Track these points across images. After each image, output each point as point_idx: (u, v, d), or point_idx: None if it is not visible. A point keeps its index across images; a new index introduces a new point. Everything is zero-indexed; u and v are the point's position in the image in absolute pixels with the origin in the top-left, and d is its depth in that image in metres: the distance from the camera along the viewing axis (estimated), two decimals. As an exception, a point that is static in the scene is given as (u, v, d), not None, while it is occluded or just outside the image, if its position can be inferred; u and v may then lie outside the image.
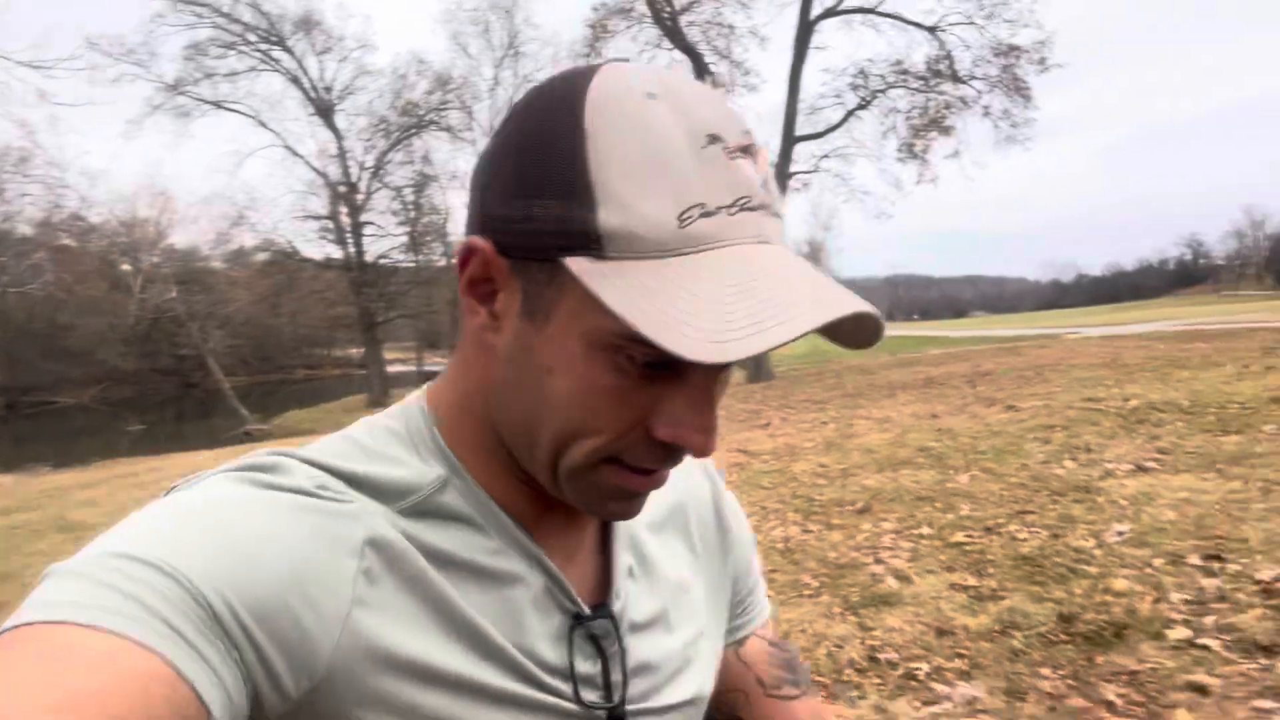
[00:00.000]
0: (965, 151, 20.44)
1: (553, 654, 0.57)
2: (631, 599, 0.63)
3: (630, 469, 0.52)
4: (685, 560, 0.70)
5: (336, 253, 32.46)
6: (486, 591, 0.55)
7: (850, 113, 20.38)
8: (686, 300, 0.45)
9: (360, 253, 32.05)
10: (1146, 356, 11.81)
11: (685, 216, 0.46)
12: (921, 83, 19.55)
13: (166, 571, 0.43)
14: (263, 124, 30.36)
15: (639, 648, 0.62)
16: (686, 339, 0.43)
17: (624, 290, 0.46)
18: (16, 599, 2.06)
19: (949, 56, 19.69)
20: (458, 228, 36.42)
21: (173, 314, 32.26)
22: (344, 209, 31.89)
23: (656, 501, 0.67)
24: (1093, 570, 3.44)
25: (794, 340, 0.43)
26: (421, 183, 34.12)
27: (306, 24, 30.47)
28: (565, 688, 0.57)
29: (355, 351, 48.79)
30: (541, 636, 0.56)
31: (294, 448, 0.55)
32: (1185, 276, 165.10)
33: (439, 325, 39.93)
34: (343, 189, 31.83)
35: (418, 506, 0.54)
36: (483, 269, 0.52)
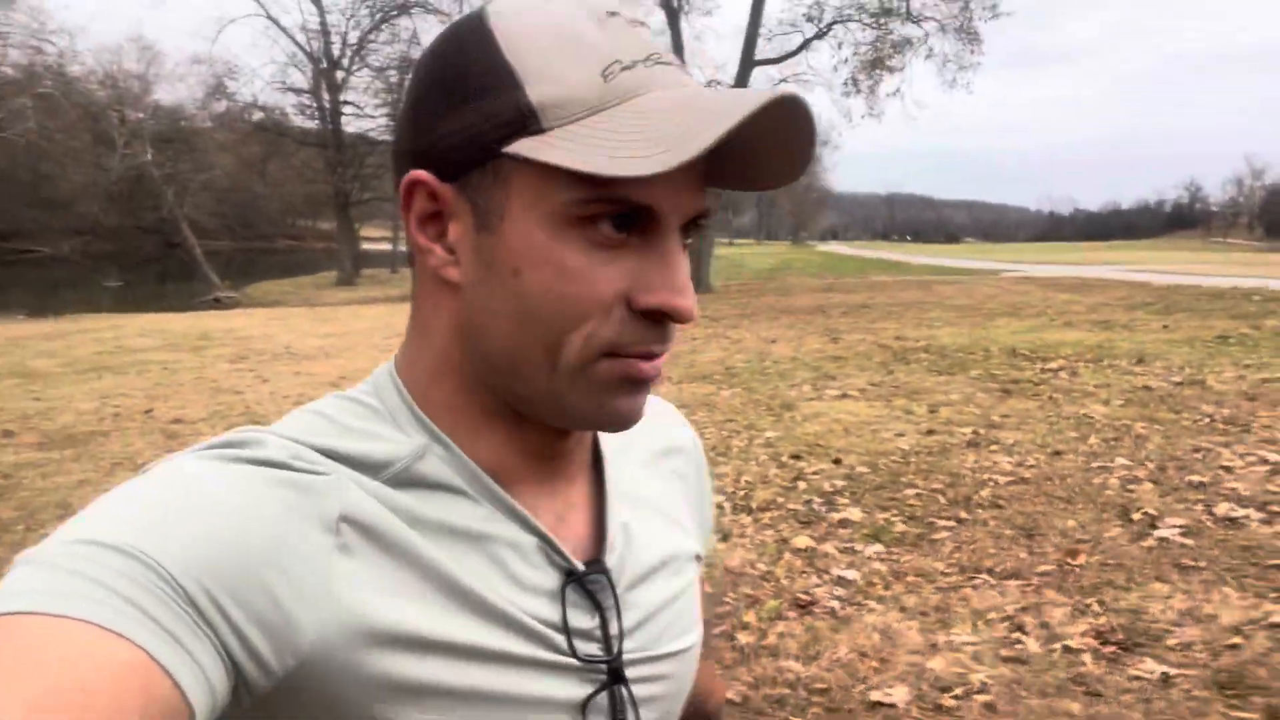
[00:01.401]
0: (908, 91, 21.23)
1: (548, 611, 0.56)
2: (628, 552, 0.62)
3: (627, 356, 0.52)
4: (679, 510, 0.71)
5: (316, 128, 32.90)
6: (477, 554, 0.54)
7: (807, 41, 21.06)
8: (631, 134, 0.46)
9: (338, 131, 32.39)
10: (1008, 302, 13.17)
11: (608, 72, 0.48)
12: (873, 19, 20.20)
13: (138, 556, 0.42)
14: (245, -9, 30.36)
15: (636, 599, 0.61)
16: (643, 161, 0.45)
17: (572, 150, 0.47)
18: (7, 448, 3.90)
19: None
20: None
21: (143, 177, 32.60)
22: (324, 86, 32.19)
23: (649, 441, 0.70)
24: (743, 456, 4.91)
25: (737, 124, 0.44)
26: (405, 64, 34.37)
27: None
28: (561, 641, 0.56)
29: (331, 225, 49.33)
30: (535, 595, 0.56)
31: (271, 425, 0.54)
32: (1180, 219, 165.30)
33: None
34: (323, 65, 32.06)
35: (399, 476, 0.53)
36: (429, 201, 0.52)
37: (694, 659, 0.68)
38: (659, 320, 0.52)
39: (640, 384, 0.54)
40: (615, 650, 0.59)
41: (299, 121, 33.32)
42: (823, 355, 8.45)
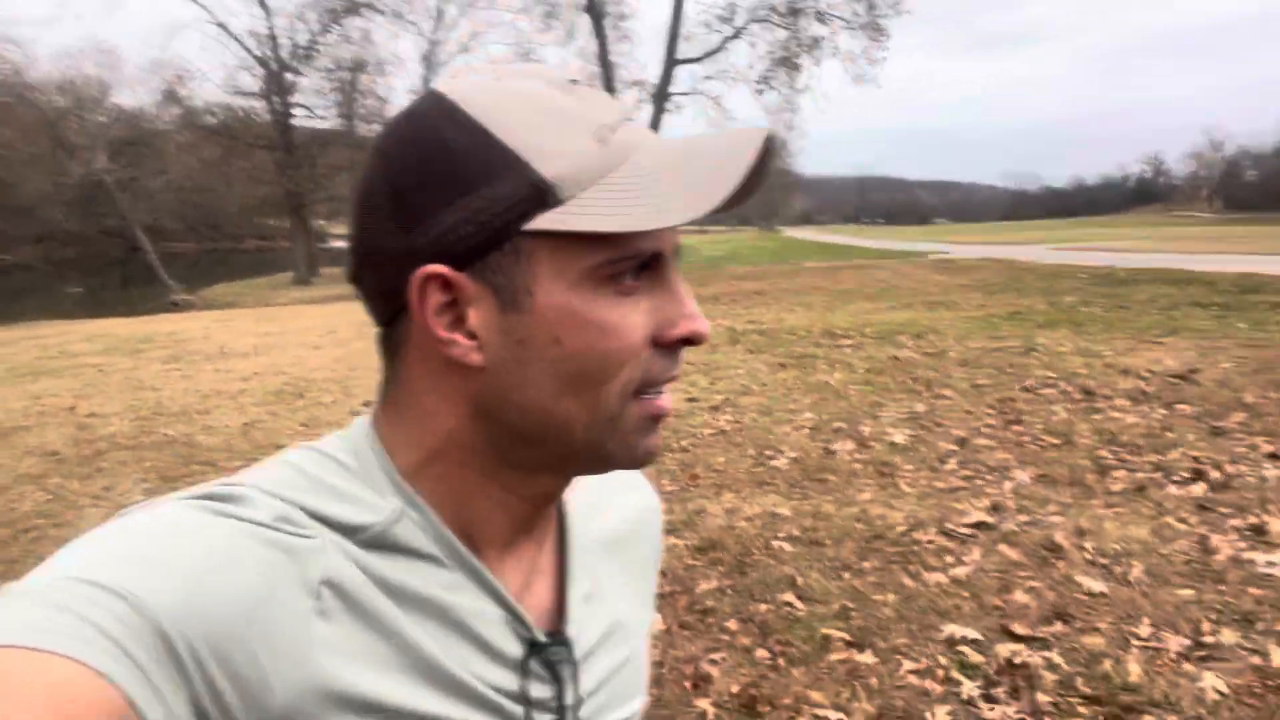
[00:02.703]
0: (818, 86, 22.51)
1: (508, 681, 0.57)
2: (585, 622, 0.63)
3: (649, 396, 0.54)
4: (633, 577, 0.72)
5: (267, 130, 33.63)
6: (442, 624, 0.54)
7: (725, 41, 22.23)
8: (646, 190, 0.49)
9: (287, 133, 33.12)
10: (889, 285, 14.39)
11: (600, 136, 0.50)
12: (784, 19, 21.38)
13: (124, 597, 0.42)
14: (193, -1, 31.01)
15: (591, 669, 0.63)
16: (674, 213, 0.48)
17: (593, 214, 0.49)
18: None
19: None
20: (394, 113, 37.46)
21: (103, 182, 33.22)
22: (273, 89, 32.94)
23: (612, 518, 0.70)
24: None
25: (749, 170, 0.49)
26: (357, 65, 35.12)
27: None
28: (519, 714, 0.57)
29: (316, 224, 49.56)
30: (498, 665, 0.57)
31: (248, 475, 0.54)
32: (1144, 194, 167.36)
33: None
34: (273, 68, 32.80)
35: (375, 540, 0.53)
36: (444, 293, 0.51)
37: None
38: (676, 351, 0.55)
39: (660, 419, 0.56)
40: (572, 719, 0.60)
41: (251, 124, 33.99)
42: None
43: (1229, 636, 2.49)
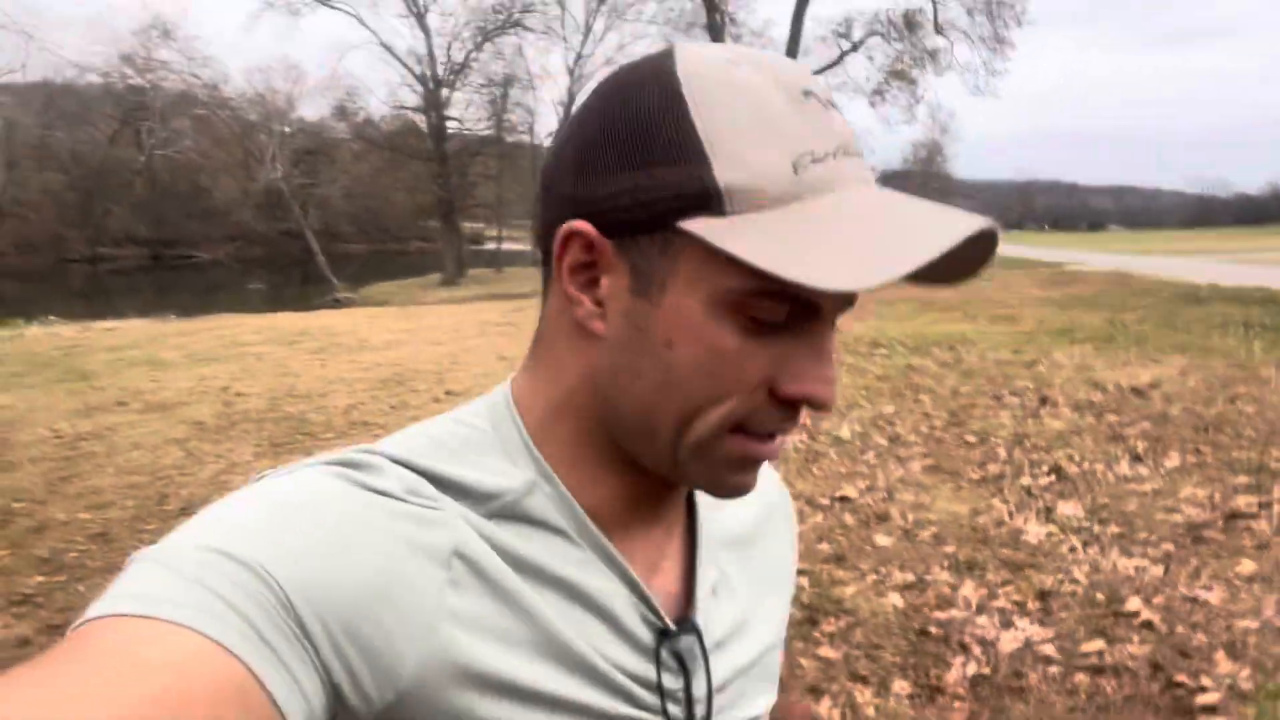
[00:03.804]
0: (936, 98, 22.68)
1: (639, 668, 0.56)
2: (714, 613, 0.62)
3: (753, 435, 0.52)
4: (762, 573, 0.70)
5: (423, 143, 36.53)
6: (572, 603, 0.54)
7: (843, 55, 22.81)
8: (814, 238, 0.45)
9: (442, 145, 35.79)
10: (979, 296, 14.70)
11: (799, 163, 0.47)
12: (900, 33, 21.75)
13: (255, 570, 0.43)
14: (362, 23, 34.28)
15: (721, 661, 0.61)
16: (820, 271, 0.44)
17: (751, 241, 0.46)
18: (105, 402, 7.24)
19: (935, 5, 21.80)
20: (543, 125, 40.03)
21: (281, 192, 36.78)
22: (430, 104, 35.77)
23: (739, 514, 0.68)
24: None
25: (927, 263, 0.44)
26: (508, 81, 37.62)
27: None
28: (653, 701, 0.56)
29: (468, 226, 52.76)
30: (628, 651, 0.55)
31: (382, 444, 0.55)
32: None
33: (511, 214, 43.96)
34: (430, 85, 35.62)
35: (504, 510, 0.53)
36: (585, 253, 0.51)
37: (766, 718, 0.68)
38: (796, 406, 0.52)
39: (757, 463, 0.54)
40: (699, 714, 0.59)
41: (410, 136, 37.02)
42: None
43: (942, 575, 3.34)
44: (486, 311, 17.70)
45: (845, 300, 0.51)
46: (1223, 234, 77.87)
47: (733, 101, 0.48)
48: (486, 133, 38.12)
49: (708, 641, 0.61)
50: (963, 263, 0.50)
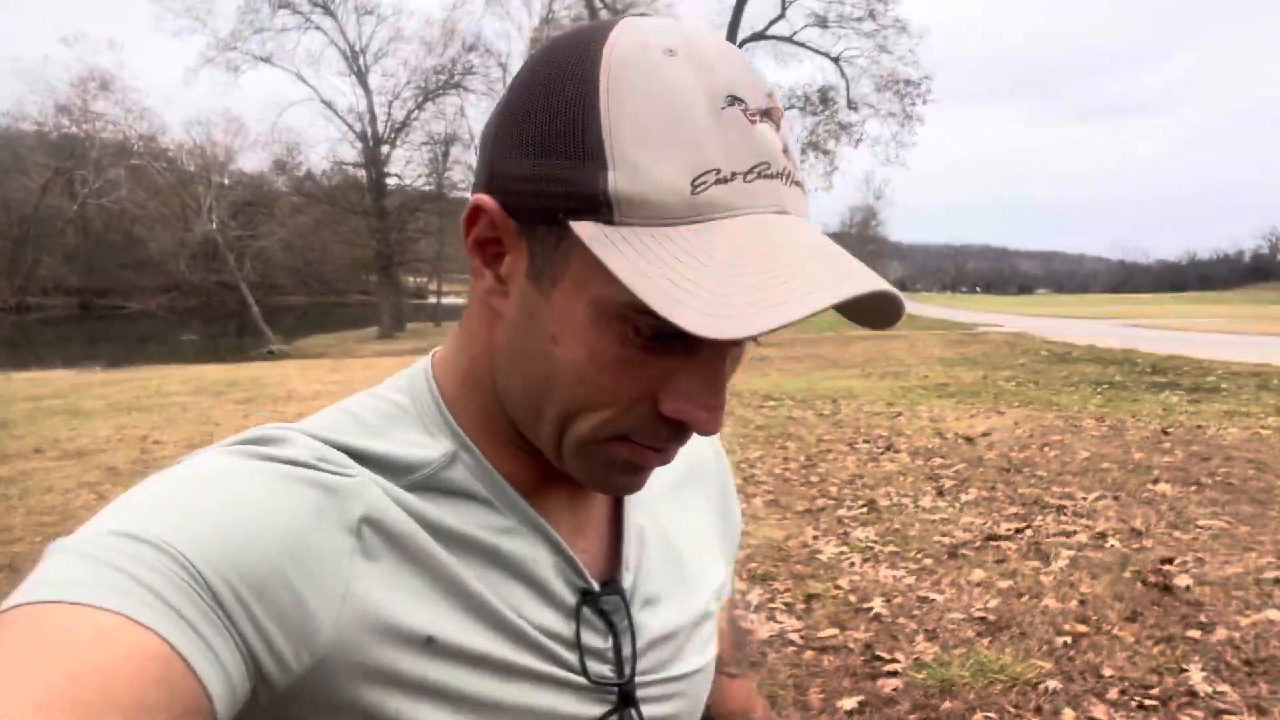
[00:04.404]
0: (847, 168, 24.10)
1: (562, 628, 0.56)
2: (642, 572, 0.62)
3: (638, 445, 0.51)
4: (702, 520, 0.70)
5: (363, 198, 37.00)
6: (495, 568, 0.54)
7: (763, 125, 24.11)
8: (694, 270, 0.44)
9: (381, 200, 36.32)
10: (885, 355, 15.64)
11: (699, 183, 0.45)
12: (815, 107, 23.13)
13: (164, 549, 0.43)
14: (302, 79, 34.86)
15: (650, 621, 0.61)
16: (691, 310, 0.42)
17: (631, 258, 0.44)
18: (23, 449, 7.57)
19: (847, 83, 23.28)
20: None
21: (217, 243, 36.81)
22: (366, 161, 36.37)
23: (663, 478, 0.67)
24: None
25: (804, 319, 0.42)
26: (449, 139, 38.43)
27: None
28: (574, 660, 0.56)
29: (410, 280, 52.85)
30: (551, 610, 0.56)
31: (299, 422, 0.55)
32: (1262, 271, 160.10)
33: (450, 268, 44.62)
34: (370, 143, 36.25)
35: (425, 482, 0.53)
36: (490, 229, 0.51)
37: (707, 679, 0.68)
38: (681, 425, 0.50)
39: (643, 470, 0.54)
40: (627, 673, 0.59)
41: (349, 191, 37.51)
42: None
43: (739, 585, 3.95)
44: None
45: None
46: (1140, 299, 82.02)
47: (646, 103, 0.46)
48: (427, 189, 38.75)
49: (638, 597, 0.61)
50: (870, 313, 0.49)
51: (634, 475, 0.55)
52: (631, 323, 0.47)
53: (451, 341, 0.59)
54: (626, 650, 0.59)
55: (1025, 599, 3.57)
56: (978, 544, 4.34)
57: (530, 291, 0.51)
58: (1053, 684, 2.81)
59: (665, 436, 0.52)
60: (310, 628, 0.47)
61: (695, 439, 0.63)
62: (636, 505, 0.65)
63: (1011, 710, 2.68)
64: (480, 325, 0.56)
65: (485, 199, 0.50)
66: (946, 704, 2.75)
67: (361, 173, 37.09)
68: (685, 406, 0.49)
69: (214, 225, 35.88)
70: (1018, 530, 4.50)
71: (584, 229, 0.46)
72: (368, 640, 0.49)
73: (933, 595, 3.66)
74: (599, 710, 0.58)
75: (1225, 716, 2.55)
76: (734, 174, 0.46)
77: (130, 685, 0.38)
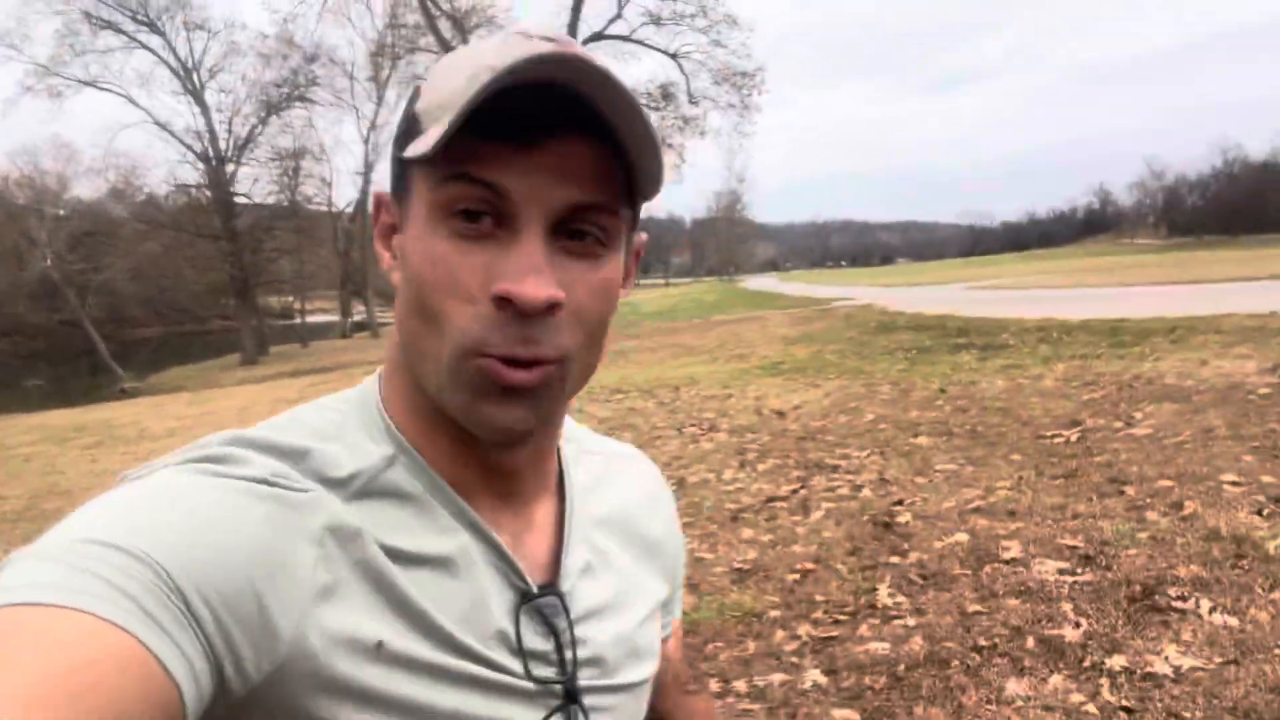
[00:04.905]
0: (687, 168, 24.98)
1: (503, 631, 0.58)
2: (582, 581, 0.64)
3: (494, 358, 0.52)
4: (640, 555, 0.73)
5: (211, 221, 35.64)
6: (433, 573, 0.56)
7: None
8: (450, 110, 0.50)
9: (230, 222, 35.11)
10: (736, 339, 16.45)
11: (474, 74, 0.50)
12: (658, 103, 23.91)
13: (137, 555, 0.44)
14: (133, 102, 33.28)
15: (592, 629, 0.63)
16: (427, 140, 0.50)
17: (420, 141, 0.52)
18: None
19: (686, 78, 24.14)
20: (341, 194, 39.69)
21: (53, 280, 34.90)
22: (211, 183, 35.07)
23: (606, 498, 0.71)
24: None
25: (488, 86, 0.48)
26: (299, 153, 37.44)
27: (176, 3, 32.82)
28: (515, 665, 0.58)
29: (275, 301, 51.11)
30: (490, 614, 0.57)
31: (244, 431, 0.56)
32: (1094, 225, 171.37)
33: (313, 285, 43.59)
34: (213, 163, 34.97)
35: (365, 488, 0.55)
36: (386, 214, 0.59)
37: (647, 691, 0.70)
38: (520, 317, 0.52)
39: (509, 391, 0.53)
40: (570, 671, 0.60)
41: (195, 214, 36.07)
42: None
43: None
44: (284, 389, 17.75)
45: (555, 203, 0.52)
46: (986, 260, 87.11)
47: (455, 55, 0.56)
48: (282, 204, 37.66)
49: (577, 609, 0.62)
50: (647, 152, 0.53)
51: (501, 402, 0.54)
52: (449, 209, 0.53)
53: (391, 349, 0.62)
54: (569, 653, 0.61)
55: (779, 549, 4.20)
56: (758, 507, 4.97)
57: (399, 241, 0.57)
58: (775, 614, 3.43)
59: (511, 339, 0.52)
60: (272, 637, 0.48)
61: (633, 473, 0.77)
62: (582, 522, 0.67)
63: (737, 637, 3.28)
64: (397, 318, 0.59)
65: (379, 191, 0.60)
66: (689, 639, 3.32)
67: (207, 194, 35.76)
68: (504, 282, 0.51)
69: (48, 261, 33.90)
70: (794, 491, 5.16)
71: (409, 150, 0.53)
72: (322, 650, 0.50)
73: (707, 555, 4.25)
74: (543, 712, 0.59)
75: (894, 619, 3.21)
76: (508, 60, 0.49)
77: (106, 682, 0.39)
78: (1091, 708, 2.43)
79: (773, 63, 24.34)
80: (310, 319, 48.03)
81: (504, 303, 0.51)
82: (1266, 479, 4.05)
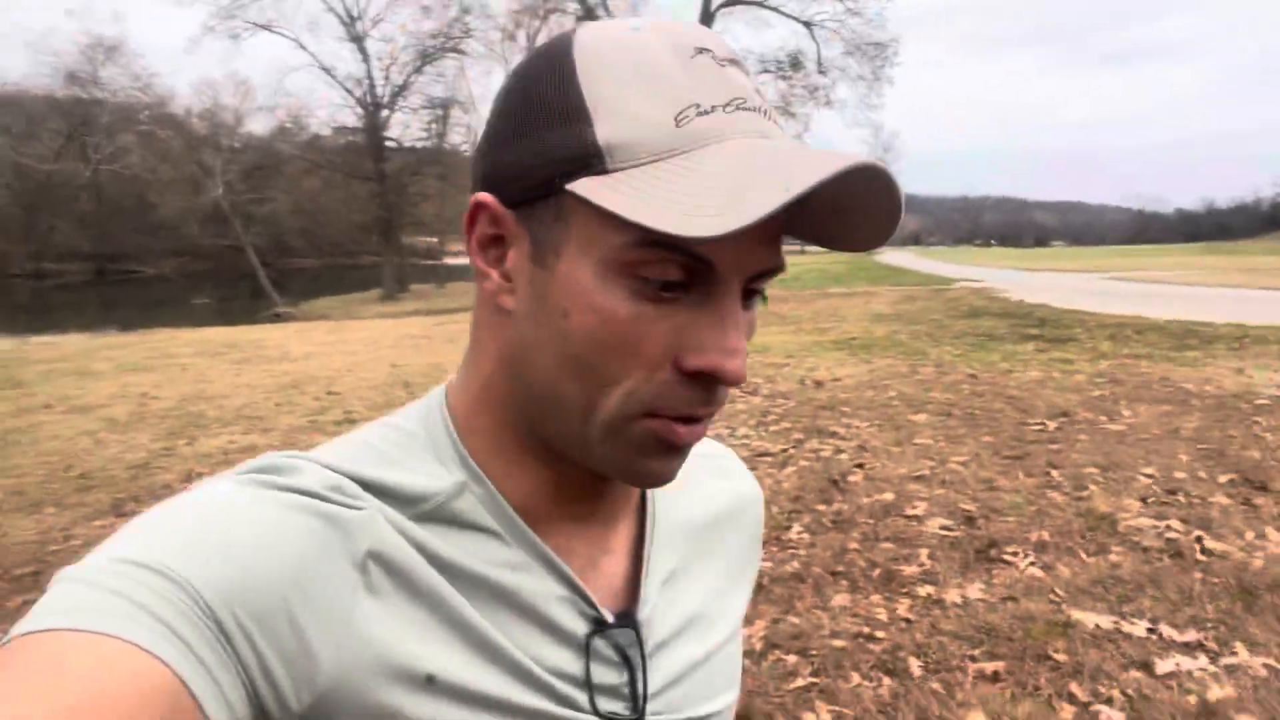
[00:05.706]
0: (809, 135, 25.08)
1: (571, 665, 0.55)
2: (661, 606, 0.61)
3: (667, 419, 0.50)
4: (724, 567, 0.69)
5: (364, 163, 38.11)
6: (501, 604, 0.54)
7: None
8: (691, 186, 0.44)
9: (381, 164, 37.44)
10: (842, 313, 16.81)
11: (682, 116, 0.46)
12: (786, 72, 24.11)
13: (170, 576, 0.43)
14: (302, 46, 35.87)
15: (667, 657, 0.60)
16: (697, 219, 0.43)
17: (628, 195, 0.45)
18: (33, 405, 9.05)
19: (818, 46, 24.22)
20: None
21: (223, 208, 37.81)
22: (366, 126, 37.44)
23: (703, 504, 0.68)
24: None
25: (795, 198, 0.42)
26: (448, 102, 39.39)
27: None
28: (582, 698, 0.55)
29: (421, 241, 53.75)
30: (560, 646, 0.55)
31: (313, 450, 0.55)
32: (1278, 219, 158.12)
33: (455, 229, 45.77)
34: (370, 108, 37.31)
35: (433, 513, 0.53)
36: (490, 225, 0.52)
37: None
38: (707, 383, 0.50)
39: (675, 448, 0.52)
40: (640, 708, 0.58)
41: (350, 155, 38.60)
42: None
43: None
44: (413, 325, 18.80)
45: (754, 269, 0.49)
46: (1151, 250, 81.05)
47: (619, 61, 0.48)
48: (428, 148, 39.69)
49: (654, 636, 0.60)
50: (871, 222, 0.50)
51: (666, 458, 0.53)
52: (636, 272, 0.48)
53: (464, 363, 0.59)
54: (641, 687, 0.58)
55: (741, 492, 4.91)
56: (745, 459, 5.67)
57: (536, 274, 0.51)
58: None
59: (695, 402, 0.50)
60: (311, 663, 0.47)
61: (735, 481, 0.73)
62: (668, 532, 0.64)
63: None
64: (488, 337, 0.56)
65: (482, 194, 0.52)
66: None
67: (363, 136, 38.17)
68: (705, 356, 0.48)
69: (220, 190, 36.86)
70: (783, 450, 5.84)
71: (580, 186, 0.47)
72: (368, 679, 0.48)
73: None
74: None
75: (790, 549, 3.90)
76: (713, 107, 0.47)
77: (134, 712, 0.39)
78: (883, 615, 3.11)
79: (931, 27, 23.80)
80: (451, 260, 50.25)
81: (697, 374, 0.49)
82: (1179, 474, 4.48)
